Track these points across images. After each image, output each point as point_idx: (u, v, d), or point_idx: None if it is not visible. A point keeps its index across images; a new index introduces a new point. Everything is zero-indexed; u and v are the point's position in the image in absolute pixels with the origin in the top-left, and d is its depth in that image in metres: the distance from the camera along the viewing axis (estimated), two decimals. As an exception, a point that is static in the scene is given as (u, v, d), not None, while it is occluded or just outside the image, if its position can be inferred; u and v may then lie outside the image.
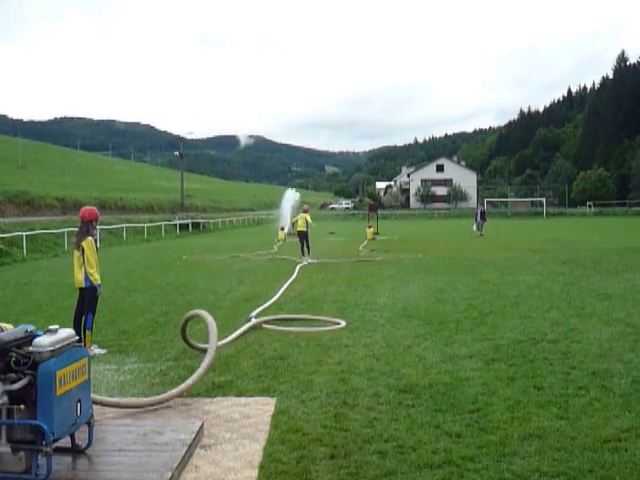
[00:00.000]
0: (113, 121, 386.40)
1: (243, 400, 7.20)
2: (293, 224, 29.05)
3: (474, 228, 44.75)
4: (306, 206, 30.21)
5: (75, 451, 5.37)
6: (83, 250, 9.79)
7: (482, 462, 5.30)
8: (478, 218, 44.87)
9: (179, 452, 5.38)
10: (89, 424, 5.42)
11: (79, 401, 5.16)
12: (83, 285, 9.91)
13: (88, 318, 9.88)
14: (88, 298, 9.94)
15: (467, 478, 5.01)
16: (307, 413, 6.65)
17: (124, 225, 44.65)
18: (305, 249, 26.30)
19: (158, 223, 52.96)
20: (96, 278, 9.86)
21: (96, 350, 9.66)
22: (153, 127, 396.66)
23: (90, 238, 9.86)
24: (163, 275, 20.75)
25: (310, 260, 25.03)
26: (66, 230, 34.64)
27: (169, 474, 4.92)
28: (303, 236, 26.53)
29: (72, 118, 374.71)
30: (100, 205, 51.12)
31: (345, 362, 8.78)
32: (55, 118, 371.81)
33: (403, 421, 6.33)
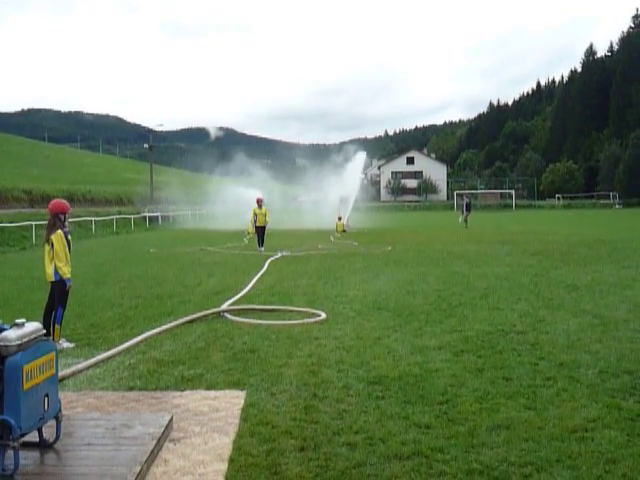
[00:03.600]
0: (81, 113, 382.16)
1: (213, 393, 7.18)
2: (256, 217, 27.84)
3: (460, 220, 44.93)
4: (258, 197, 29.68)
5: (43, 446, 5.32)
6: (53, 244, 9.68)
7: (451, 453, 5.34)
8: (464, 210, 45.07)
9: (148, 446, 5.35)
10: (57, 418, 5.37)
11: (47, 395, 5.11)
12: (53, 279, 9.80)
13: (58, 312, 9.79)
14: (58, 292, 9.85)
15: (436, 469, 5.05)
16: (277, 406, 6.65)
17: (93, 218, 44.23)
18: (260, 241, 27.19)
19: (127, 216, 52.53)
20: (65, 272, 9.74)
21: (64, 344, 9.57)
22: (122, 119, 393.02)
23: (59, 232, 9.72)
24: (132, 268, 20.59)
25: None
26: (34, 223, 34.21)
27: (138, 468, 4.89)
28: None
29: (39, 110, 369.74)
30: (69, 198, 50.44)
31: (315, 354, 8.79)
32: (22, 110, 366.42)
33: (373, 413, 6.35)
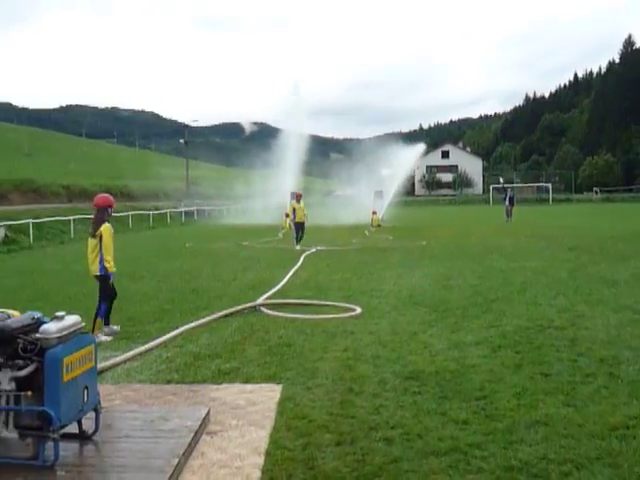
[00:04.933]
0: (118, 109, 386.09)
1: (249, 387, 7.21)
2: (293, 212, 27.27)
3: (503, 218, 43.29)
4: (298, 192, 29.25)
5: (82, 437, 5.38)
6: (101, 237, 9.86)
7: (489, 449, 5.29)
8: (507, 203, 43.90)
9: (186, 439, 5.38)
10: (96, 410, 5.42)
11: (86, 387, 5.17)
12: (98, 273, 9.99)
13: (102, 306, 9.97)
14: (102, 286, 10.05)
15: (474, 465, 5.00)
16: (313, 400, 6.65)
17: (130, 213, 44.62)
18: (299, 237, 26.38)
19: (163, 210, 52.99)
20: (112, 265, 9.96)
21: (102, 337, 9.69)
22: (158, 115, 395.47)
23: (108, 225, 9.97)
24: (169, 262, 20.77)
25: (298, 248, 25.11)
26: (72, 218, 34.65)
27: (176, 460, 4.92)
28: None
29: (77, 106, 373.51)
30: (106, 193, 51.11)
31: (351, 349, 8.77)
32: (60, 106, 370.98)
33: (409, 408, 6.32)
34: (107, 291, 10.13)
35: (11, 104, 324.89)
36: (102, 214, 10.13)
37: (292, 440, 5.59)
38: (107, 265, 9.94)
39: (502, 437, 5.53)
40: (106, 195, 10.57)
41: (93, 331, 9.52)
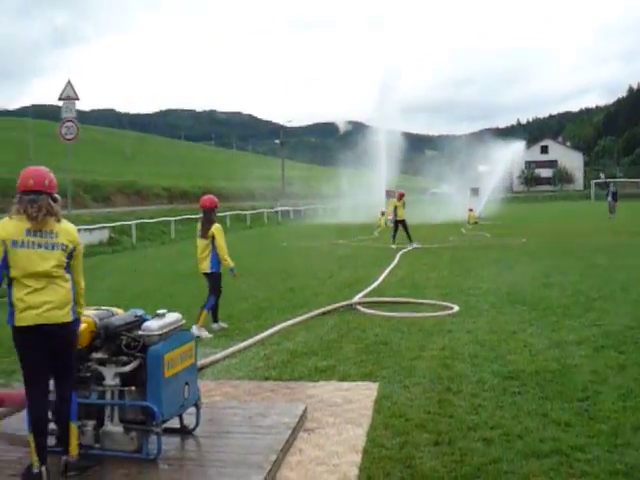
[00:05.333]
0: (215, 111, 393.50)
1: (346, 385, 7.22)
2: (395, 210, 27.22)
3: (607, 212, 42.85)
4: (401, 191, 28.97)
5: (183, 432, 5.53)
6: (213, 238, 10.22)
7: (592, 452, 5.12)
8: (609, 199, 43.28)
9: (283, 435, 5.44)
10: (197, 406, 5.56)
11: (187, 383, 5.31)
12: (209, 271, 10.35)
13: (210, 300, 10.36)
14: (213, 282, 10.49)
15: (577, 468, 4.85)
16: (410, 399, 6.60)
17: (228, 213, 45.41)
18: (403, 235, 25.82)
19: (260, 210, 53.73)
20: (230, 261, 10.45)
21: (203, 333, 9.93)
22: (254, 116, 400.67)
23: (218, 225, 10.32)
24: (265, 261, 21.05)
25: (416, 245, 24.54)
26: (172, 219, 35.61)
27: (274, 456, 4.99)
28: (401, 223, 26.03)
29: (175, 110, 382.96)
30: (205, 194, 52.12)
31: (448, 348, 8.67)
32: (160, 110, 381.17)
33: (509, 408, 6.19)
34: (217, 287, 10.55)
35: (114, 110, 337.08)
36: (210, 215, 10.51)
37: (389, 439, 5.57)
38: (225, 263, 10.43)
39: (607, 440, 5.35)
40: (212, 196, 10.91)
41: (197, 321, 9.87)
